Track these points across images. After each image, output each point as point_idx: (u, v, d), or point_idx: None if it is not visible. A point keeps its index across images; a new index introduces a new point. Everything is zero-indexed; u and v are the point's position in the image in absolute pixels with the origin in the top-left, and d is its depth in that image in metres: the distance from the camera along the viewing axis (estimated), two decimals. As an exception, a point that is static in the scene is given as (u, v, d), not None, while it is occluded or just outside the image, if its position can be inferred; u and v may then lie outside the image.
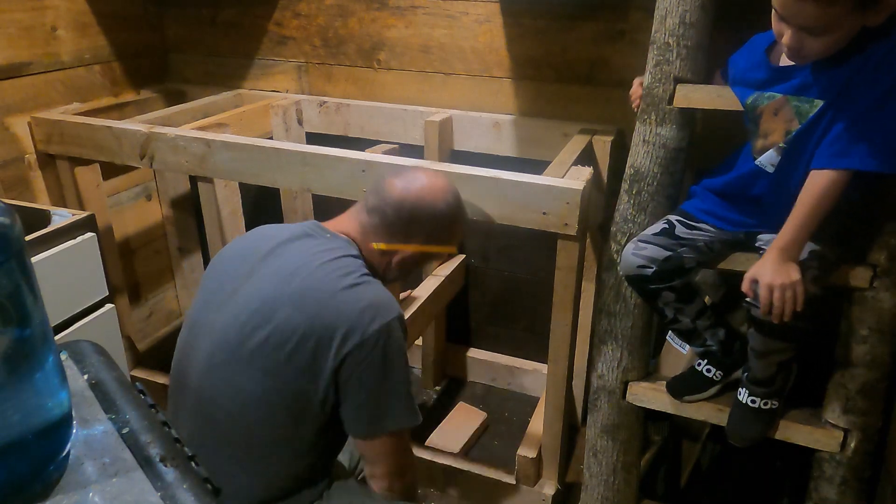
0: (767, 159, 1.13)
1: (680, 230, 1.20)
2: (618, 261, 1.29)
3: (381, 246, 1.13)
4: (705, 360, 1.31)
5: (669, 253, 1.18)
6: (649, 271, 1.19)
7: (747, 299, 1.10)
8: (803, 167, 1.07)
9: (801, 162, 1.08)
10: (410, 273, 1.22)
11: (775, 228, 1.08)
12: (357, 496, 1.10)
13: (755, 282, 1.07)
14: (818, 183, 1.03)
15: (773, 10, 1.00)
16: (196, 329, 1.08)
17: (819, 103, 1.05)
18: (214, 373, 1.02)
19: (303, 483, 1.07)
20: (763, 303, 1.05)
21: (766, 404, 1.22)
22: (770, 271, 1.05)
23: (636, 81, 1.31)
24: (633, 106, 1.32)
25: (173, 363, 1.12)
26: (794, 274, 1.04)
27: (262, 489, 1.04)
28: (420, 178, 1.16)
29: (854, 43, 0.99)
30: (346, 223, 1.16)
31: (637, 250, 1.20)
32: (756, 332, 1.16)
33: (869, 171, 1.01)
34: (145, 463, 0.55)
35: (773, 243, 1.07)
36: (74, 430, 0.59)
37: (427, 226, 1.15)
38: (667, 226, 1.22)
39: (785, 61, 1.10)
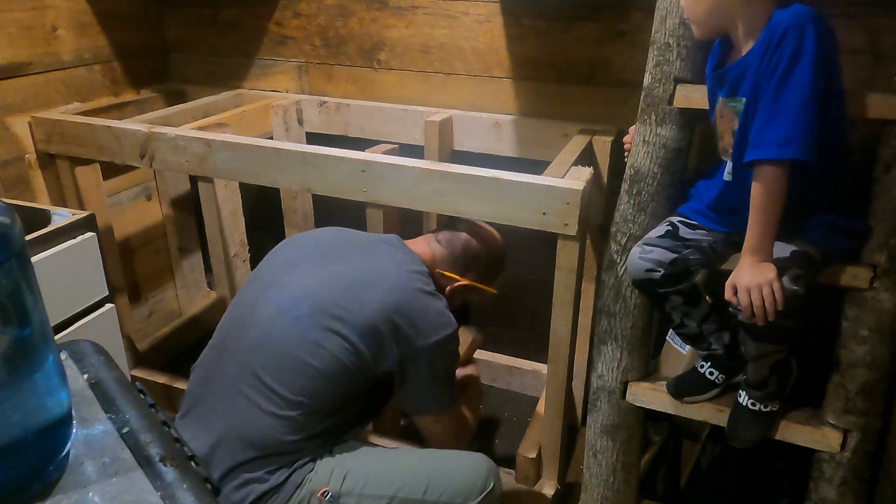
0: (727, 168, 1.14)
1: (684, 231, 1.20)
2: (618, 261, 1.29)
3: (445, 272, 1.34)
4: (708, 363, 1.30)
5: (675, 255, 1.17)
6: (657, 275, 1.18)
7: (732, 306, 1.10)
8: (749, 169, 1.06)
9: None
10: (453, 305, 1.38)
11: None
12: (358, 447, 1.21)
13: (735, 288, 1.07)
14: (754, 180, 1.03)
15: None
16: (278, 280, 1.24)
17: (744, 100, 1.05)
18: (288, 320, 1.16)
19: (315, 441, 1.16)
20: (744, 306, 1.05)
21: (765, 407, 1.22)
22: (746, 275, 1.05)
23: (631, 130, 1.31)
24: (624, 151, 1.32)
25: (234, 307, 1.27)
26: (769, 273, 1.03)
27: (281, 431, 1.12)
28: (484, 228, 1.43)
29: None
30: (420, 246, 1.36)
31: (643, 254, 1.19)
32: (747, 337, 1.15)
33: (771, 160, 1.00)
34: (145, 463, 0.55)
35: (744, 248, 1.07)
36: (74, 430, 0.59)
37: (483, 265, 1.38)
38: (670, 227, 1.21)
39: (730, 62, 1.11)
